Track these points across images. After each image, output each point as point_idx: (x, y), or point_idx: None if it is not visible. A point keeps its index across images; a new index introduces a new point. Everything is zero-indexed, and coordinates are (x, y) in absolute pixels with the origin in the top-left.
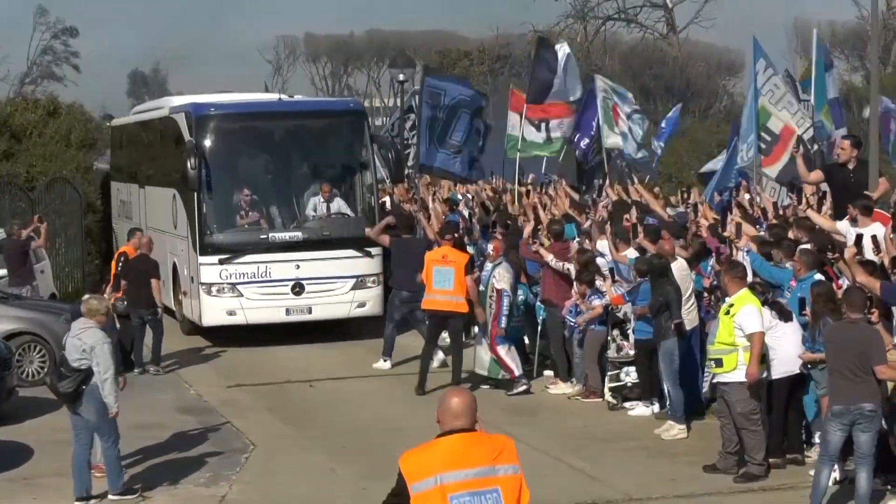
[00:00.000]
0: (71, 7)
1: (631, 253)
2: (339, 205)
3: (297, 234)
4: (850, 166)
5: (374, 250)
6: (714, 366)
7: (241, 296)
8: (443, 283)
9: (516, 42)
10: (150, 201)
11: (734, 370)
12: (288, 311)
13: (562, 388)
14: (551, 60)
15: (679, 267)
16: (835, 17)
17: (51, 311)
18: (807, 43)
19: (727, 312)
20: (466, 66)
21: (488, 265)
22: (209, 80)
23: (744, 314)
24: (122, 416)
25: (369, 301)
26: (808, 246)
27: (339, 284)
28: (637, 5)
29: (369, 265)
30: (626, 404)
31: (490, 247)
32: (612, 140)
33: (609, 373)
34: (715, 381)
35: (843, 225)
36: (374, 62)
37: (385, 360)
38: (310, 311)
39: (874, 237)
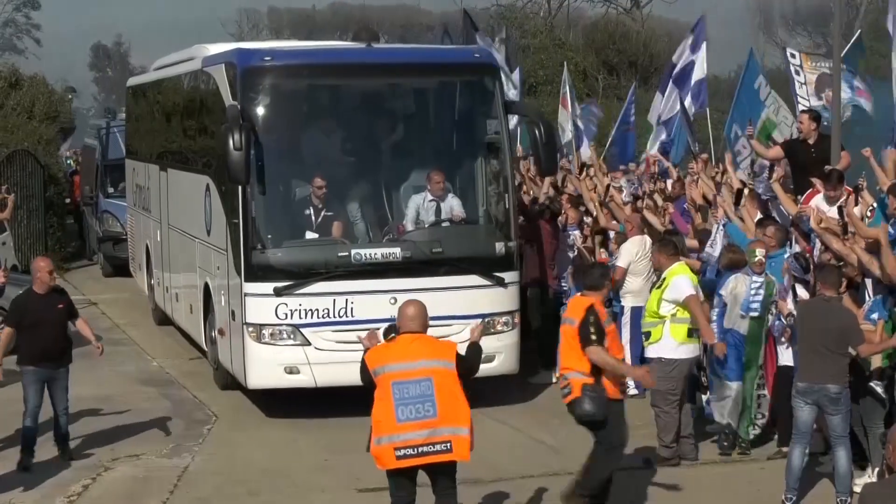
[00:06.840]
0: None
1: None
2: (456, 206)
3: (394, 251)
4: (811, 141)
5: (508, 276)
6: (644, 339)
7: (308, 344)
8: None
9: (479, 16)
10: (173, 190)
11: (659, 341)
12: None
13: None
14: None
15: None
16: None
17: (15, 283)
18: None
19: (659, 286)
20: (430, 40)
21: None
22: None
23: (673, 286)
24: (84, 388)
25: (501, 353)
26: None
27: (457, 328)
28: None
29: (501, 299)
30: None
31: None
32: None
33: None
34: (646, 356)
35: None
36: (336, 36)
37: None
38: None
39: (839, 209)
